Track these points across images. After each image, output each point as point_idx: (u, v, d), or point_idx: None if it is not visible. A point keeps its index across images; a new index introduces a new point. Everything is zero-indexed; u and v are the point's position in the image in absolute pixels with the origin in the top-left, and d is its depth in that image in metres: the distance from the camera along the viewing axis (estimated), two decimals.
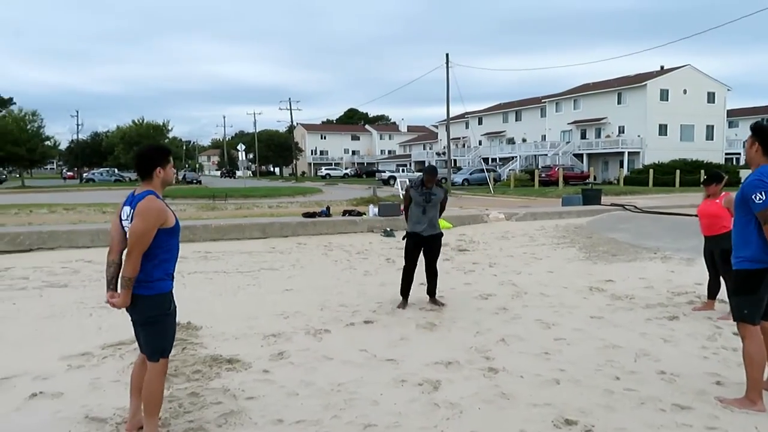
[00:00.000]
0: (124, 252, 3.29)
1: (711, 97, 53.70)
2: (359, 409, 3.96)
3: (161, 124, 65.25)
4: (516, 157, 60.49)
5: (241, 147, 45.22)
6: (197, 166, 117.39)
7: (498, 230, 13.98)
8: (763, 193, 3.71)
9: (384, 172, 62.04)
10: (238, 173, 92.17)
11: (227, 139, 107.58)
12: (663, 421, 3.73)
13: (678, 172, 41.04)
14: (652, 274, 8.86)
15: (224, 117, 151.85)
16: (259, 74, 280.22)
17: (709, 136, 53.85)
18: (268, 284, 8.25)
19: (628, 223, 14.44)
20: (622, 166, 49.95)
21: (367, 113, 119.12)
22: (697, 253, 10.18)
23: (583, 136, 57.59)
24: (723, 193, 6.41)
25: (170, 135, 67.30)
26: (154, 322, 3.36)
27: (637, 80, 53.29)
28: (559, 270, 9.38)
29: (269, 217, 15.45)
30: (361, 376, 4.60)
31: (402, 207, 6.96)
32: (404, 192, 6.98)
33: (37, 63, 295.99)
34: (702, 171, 42.28)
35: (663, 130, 51.91)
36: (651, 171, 42.01)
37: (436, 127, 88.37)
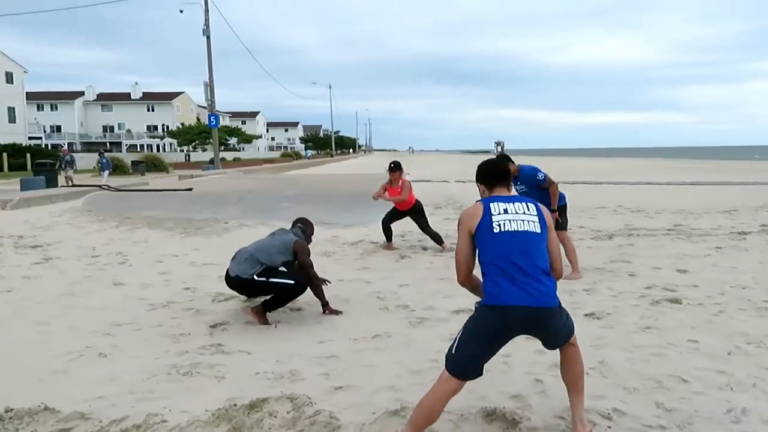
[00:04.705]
0: None
1: (10, 78, 51.66)
2: None
3: None
4: None
5: None
6: None
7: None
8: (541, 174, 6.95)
9: None
10: None
11: None
12: None
13: (6, 155, 38.74)
14: None
15: None
16: None
17: (12, 118, 51.95)
18: None
19: (133, 202, 14.29)
20: None
21: None
22: (256, 218, 12.02)
23: None
24: (402, 178, 8.93)
25: None
26: None
27: None
28: (205, 249, 9.48)
29: None
30: None
31: None
32: None
33: None
34: (28, 154, 41.35)
35: None
36: None
37: None
